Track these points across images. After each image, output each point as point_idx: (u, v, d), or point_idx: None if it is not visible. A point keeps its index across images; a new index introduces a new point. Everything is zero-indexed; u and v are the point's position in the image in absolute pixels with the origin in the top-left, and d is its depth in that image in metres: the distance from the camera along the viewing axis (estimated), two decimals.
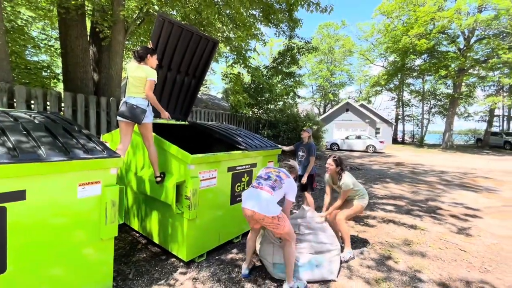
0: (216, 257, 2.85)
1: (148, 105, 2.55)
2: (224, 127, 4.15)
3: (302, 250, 2.52)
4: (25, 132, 1.86)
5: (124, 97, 2.56)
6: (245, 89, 10.73)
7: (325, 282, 2.44)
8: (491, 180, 8.06)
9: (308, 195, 3.30)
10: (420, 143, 26.35)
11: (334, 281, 2.45)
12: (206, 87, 28.77)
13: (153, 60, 2.65)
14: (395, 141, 29.47)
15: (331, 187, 3.21)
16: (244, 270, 2.49)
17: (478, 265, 2.88)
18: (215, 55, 4.38)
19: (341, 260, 2.76)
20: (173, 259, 2.77)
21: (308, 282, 2.39)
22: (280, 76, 12.59)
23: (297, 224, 2.79)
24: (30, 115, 2.24)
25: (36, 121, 2.13)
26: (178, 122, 4.01)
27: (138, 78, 2.49)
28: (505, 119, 28.05)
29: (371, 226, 3.93)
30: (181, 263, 2.69)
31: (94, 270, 2.00)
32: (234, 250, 3.03)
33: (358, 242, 3.34)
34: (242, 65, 8.94)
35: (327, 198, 3.27)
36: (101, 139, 3.57)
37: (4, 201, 1.54)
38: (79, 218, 1.88)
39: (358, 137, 18.04)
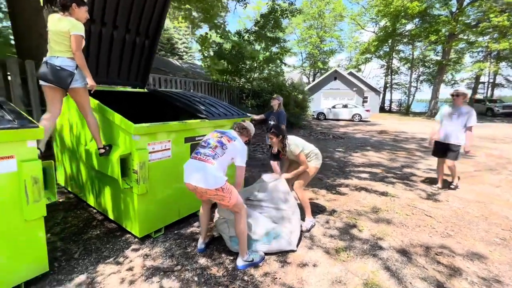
0: (175, 232, 2.72)
1: (77, 67, 2.17)
2: (189, 94, 3.81)
3: (260, 221, 2.40)
4: None
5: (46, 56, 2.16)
6: (223, 56, 10.02)
7: (284, 253, 2.36)
8: None
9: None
10: (406, 111, 26.55)
11: (294, 251, 2.38)
12: (190, 55, 27.22)
13: (80, 12, 2.19)
14: (382, 109, 29.58)
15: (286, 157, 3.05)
16: (200, 244, 2.38)
17: (441, 230, 2.88)
18: (168, 11, 3.87)
19: (303, 230, 2.69)
20: (128, 235, 2.62)
21: (266, 254, 2.31)
22: (264, 42, 11.80)
23: (252, 191, 2.66)
24: None
25: None
26: (135, 90, 3.64)
27: (61, 33, 2.07)
28: (489, 86, 28.32)
29: (342, 194, 3.88)
30: (136, 239, 2.55)
31: (23, 254, 1.81)
32: (196, 224, 2.90)
33: (326, 211, 3.28)
34: (211, 25, 8.11)
35: (286, 162, 3.15)
36: None
37: None
38: None
39: (345, 106, 17.86)
